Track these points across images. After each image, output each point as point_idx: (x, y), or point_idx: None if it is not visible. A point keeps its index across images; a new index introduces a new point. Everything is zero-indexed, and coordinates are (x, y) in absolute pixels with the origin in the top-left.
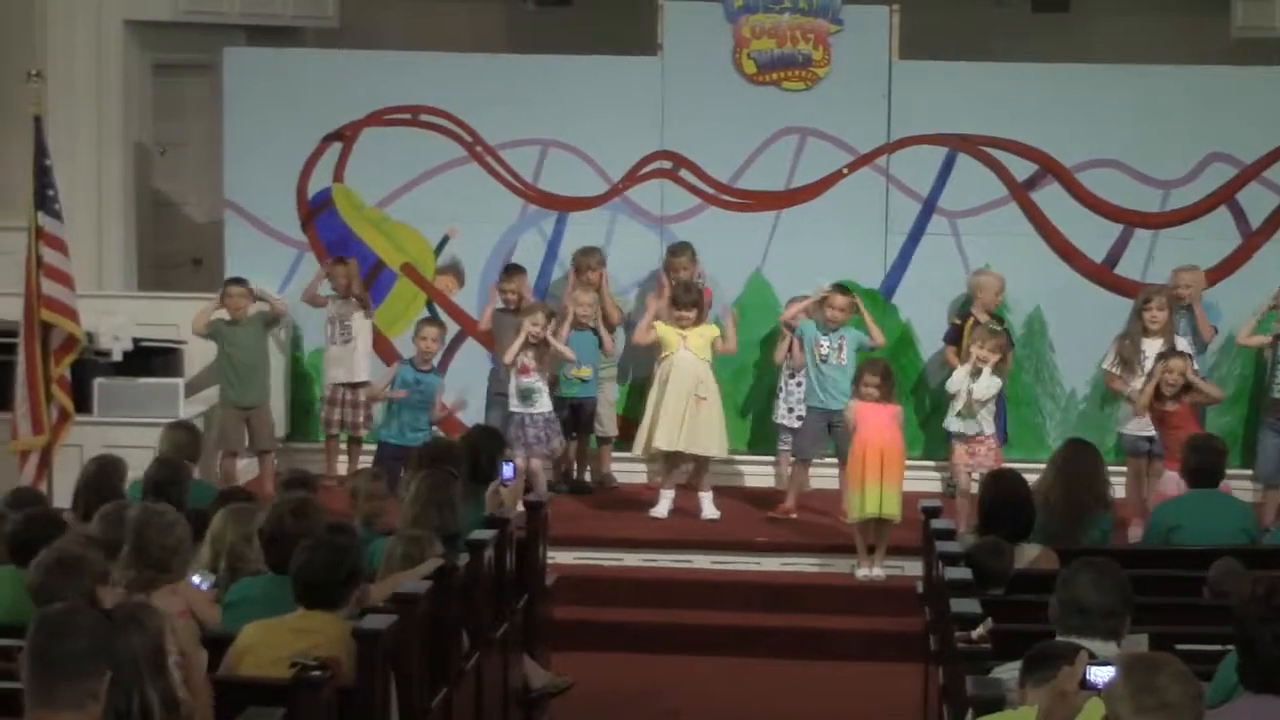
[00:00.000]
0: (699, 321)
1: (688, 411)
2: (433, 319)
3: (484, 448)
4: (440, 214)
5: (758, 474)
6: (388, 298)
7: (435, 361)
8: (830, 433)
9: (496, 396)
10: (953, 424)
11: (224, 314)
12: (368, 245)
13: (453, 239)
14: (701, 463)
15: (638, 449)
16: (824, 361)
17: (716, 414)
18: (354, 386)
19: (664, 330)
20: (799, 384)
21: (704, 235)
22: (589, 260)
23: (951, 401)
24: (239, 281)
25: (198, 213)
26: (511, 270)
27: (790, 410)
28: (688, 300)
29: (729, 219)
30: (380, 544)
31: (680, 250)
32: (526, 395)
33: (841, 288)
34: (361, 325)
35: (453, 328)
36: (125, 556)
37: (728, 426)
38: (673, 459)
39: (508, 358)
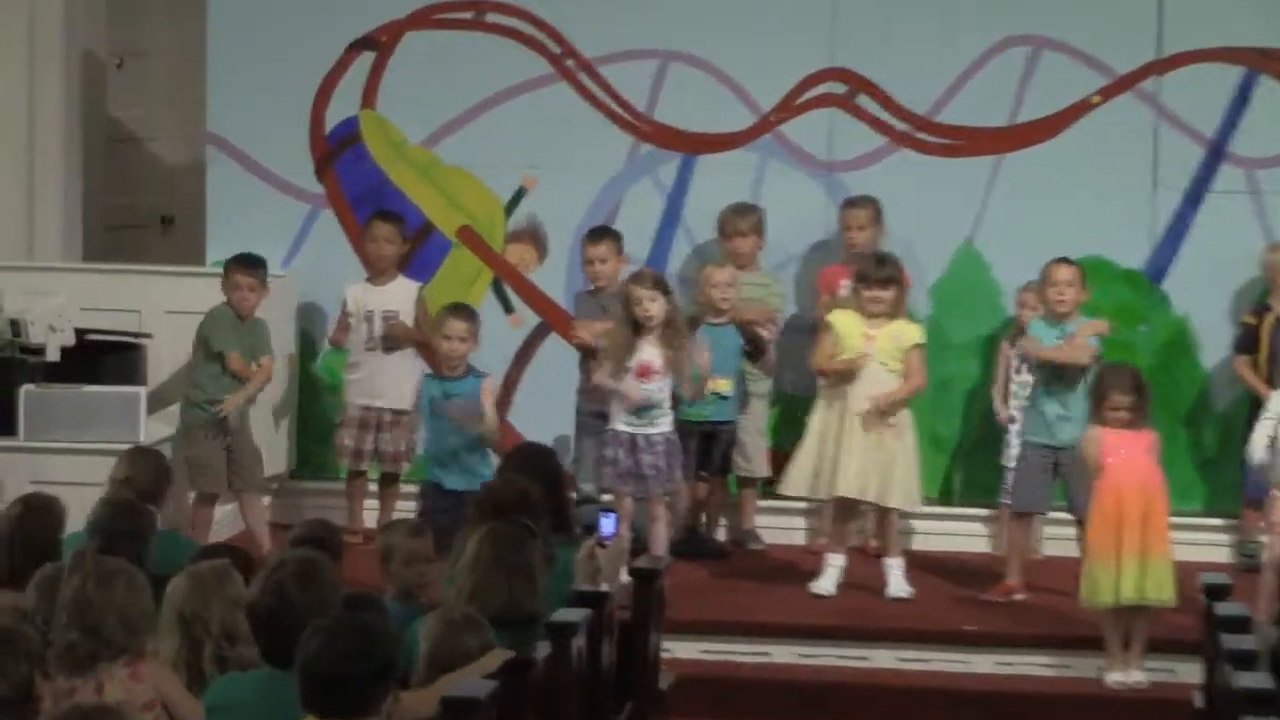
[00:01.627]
0: (895, 313)
1: (875, 445)
2: (460, 308)
3: (560, 482)
4: (514, 156)
5: (968, 535)
6: (437, 274)
7: (463, 368)
8: (1057, 475)
9: (590, 419)
10: (1258, 455)
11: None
12: (410, 199)
13: (531, 192)
14: (889, 518)
15: (795, 488)
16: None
17: (910, 450)
18: (397, 412)
19: (842, 324)
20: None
21: (890, 189)
22: (740, 223)
23: (1252, 436)
24: (249, 265)
25: (169, 151)
26: (597, 235)
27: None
28: (881, 277)
29: (926, 166)
30: (421, 626)
31: (861, 204)
32: (643, 408)
33: (1066, 260)
34: (408, 319)
35: (527, 319)
36: (63, 631)
37: (923, 466)
38: (847, 511)
39: (600, 377)
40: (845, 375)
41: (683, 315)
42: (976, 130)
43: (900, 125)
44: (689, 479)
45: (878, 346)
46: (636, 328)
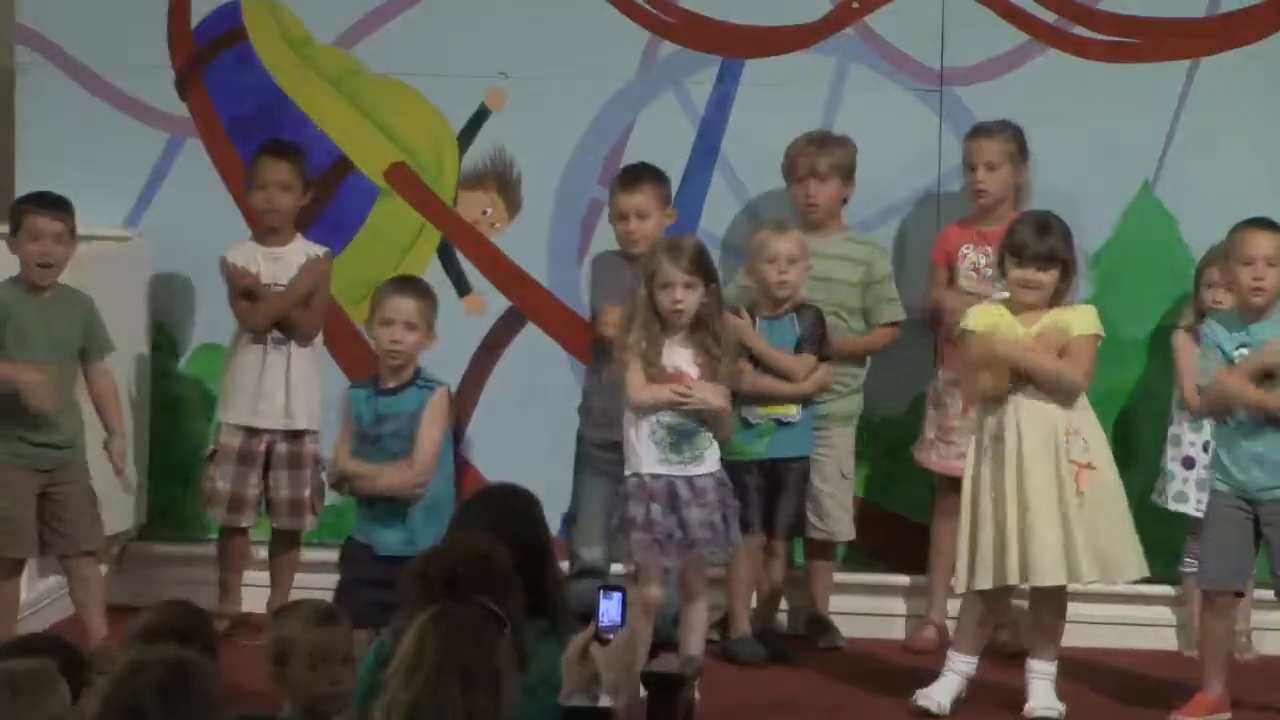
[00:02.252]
0: (1056, 299)
1: (1065, 499)
2: (407, 281)
3: (540, 542)
4: (473, 60)
5: (1141, 623)
6: (356, 237)
7: (409, 373)
8: (1260, 537)
9: (599, 452)
10: None
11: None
12: (315, 124)
13: (497, 113)
14: (1054, 604)
15: (981, 579)
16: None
17: (1117, 499)
18: (294, 436)
19: (992, 328)
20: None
21: (1030, 110)
22: (820, 160)
23: None
24: (50, 206)
25: None
26: (632, 178)
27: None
28: (1040, 250)
29: (1085, 77)
30: None
31: (993, 132)
32: (679, 441)
33: (1267, 223)
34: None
35: (493, 302)
36: None
37: None
38: (1000, 605)
39: (636, 393)
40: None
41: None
42: (1161, 22)
43: (1047, 15)
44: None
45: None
46: (659, 319)
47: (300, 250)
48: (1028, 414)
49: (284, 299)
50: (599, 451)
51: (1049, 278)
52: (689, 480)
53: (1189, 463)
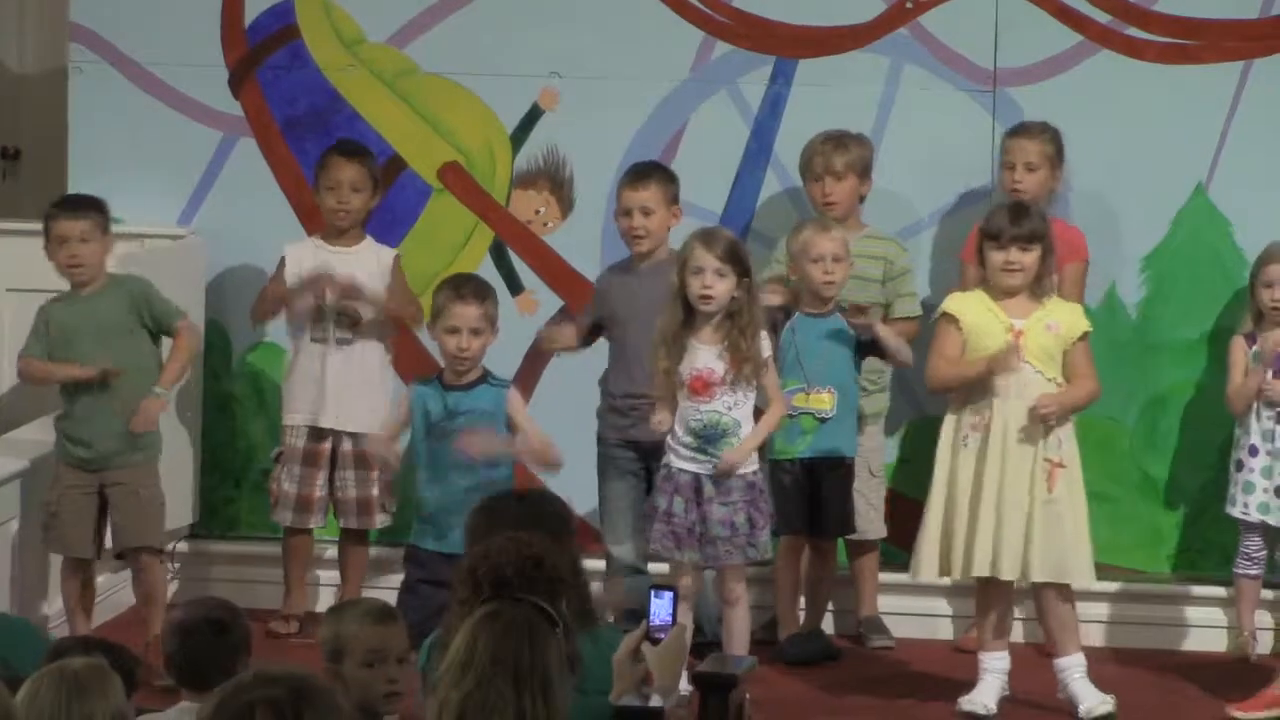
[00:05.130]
0: (1041, 291)
1: (1035, 496)
2: (467, 282)
3: (566, 538)
4: (526, 60)
5: (1198, 623)
6: (409, 235)
7: (472, 376)
8: None
9: (618, 450)
10: None
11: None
12: (369, 124)
13: (550, 112)
14: (1060, 600)
15: (925, 569)
16: None
17: (1079, 501)
18: (360, 442)
19: (971, 312)
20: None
21: (1083, 110)
22: (836, 158)
23: None
24: (70, 207)
25: (11, 54)
26: (640, 176)
27: (1261, 493)
28: (1020, 233)
29: (1139, 77)
30: None
31: (1032, 132)
32: (704, 444)
33: None
34: (376, 285)
35: (546, 301)
36: None
37: (1104, 523)
38: (999, 595)
39: (660, 426)
40: (980, 380)
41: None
42: (1214, 24)
43: (1101, 16)
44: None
45: (1028, 342)
46: (688, 312)
47: (371, 251)
48: (1014, 407)
49: (396, 304)
50: (619, 450)
51: (1030, 258)
52: (717, 480)
53: (1238, 465)
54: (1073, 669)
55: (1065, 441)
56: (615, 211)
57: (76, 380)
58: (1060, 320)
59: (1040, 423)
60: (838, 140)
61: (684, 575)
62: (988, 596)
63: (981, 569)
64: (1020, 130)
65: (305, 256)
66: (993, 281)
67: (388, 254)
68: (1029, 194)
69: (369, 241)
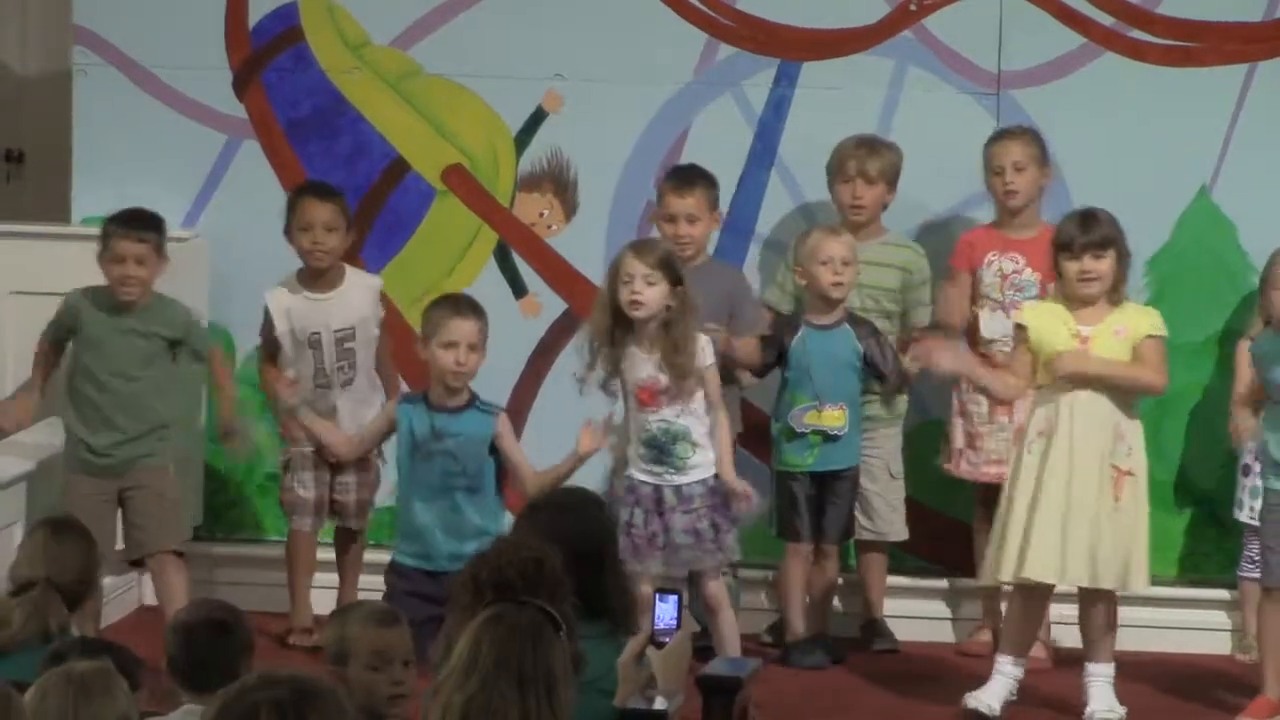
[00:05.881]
0: (1115, 296)
1: (1100, 505)
2: (460, 302)
3: (604, 548)
4: (530, 62)
5: (1198, 627)
6: (414, 237)
7: (461, 398)
8: None
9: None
10: None
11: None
12: (373, 126)
13: (554, 114)
14: (1107, 607)
15: (1002, 570)
16: None
17: (1143, 510)
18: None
19: (1041, 323)
20: None
21: (1088, 112)
22: (870, 163)
23: None
24: (133, 226)
25: (15, 55)
26: (684, 181)
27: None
28: (1092, 239)
29: (1143, 80)
30: None
31: (1017, 135)
32: (658, 454)
33: None
34: (368, 333)
35: (549, 304)
36: None
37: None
38: (1037, 602)
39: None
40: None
41: (758, 309)
42: (1218, 26)
43: (1105, 18)
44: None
45: (1095, 348)
46: (618, 320)
47: (355, 286)
48: (1083, 412)
49: (366, 443)
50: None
51: (1105, 265)
52: (676, 488)
53: (1245, 470)
54: (1100, 675)
55: (1134, 450)
56: (656, 214)
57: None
58: (1129, 324)
59: (1120, 442)
60: (872, 145)
61: (644, 584)
62: (1024, 603)
63: (1044, 574)
64: (1003, 134)
65: (293, 308)
66: (1069, 292)
67: (374, 283)
68: (1023, 193)
69: (350, 275)
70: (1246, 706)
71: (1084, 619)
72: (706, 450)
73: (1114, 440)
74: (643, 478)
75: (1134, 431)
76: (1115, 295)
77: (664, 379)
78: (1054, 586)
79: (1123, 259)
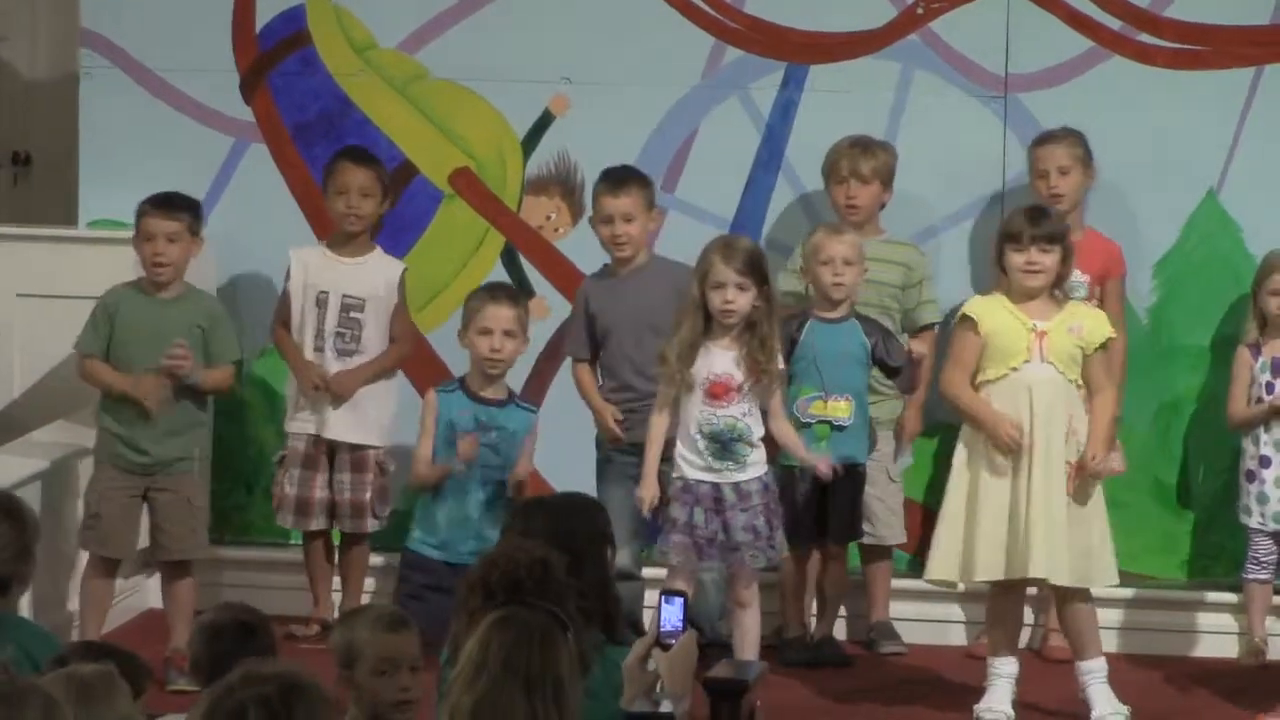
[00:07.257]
0: (1058, 283)
1: (1052, 495)
2: (500, 289)
3: (588, 551)
4: (537, 66)
5: (1208, 629)
6: (420, 241)
7: (501, 392)
8: None
9: (618, 455)
10: None
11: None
12: (380, 129)
13: (561, 118)
14: (1081, 604)
15: (940, 570)
16: None
17: (1099, 504)
18: (358, 450)
19: (992, 316)
20: None
21: (1095, 117)
22: (863, 163)
23: None
24: (162, 205)
25: (22, 57)
26: (617, 181)
27: (1276, 503)
28: (1041, 232)
29: (1150, 83)
30: None
31: (1061, 139)
32: (720, 450)
33: None
34: (379, 313)
35: (557, 307)
36: None
37: (1116, 529)
38: (1012, 596)
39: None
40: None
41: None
42: (1226, 30)
43: (1112, 22)
44: (801, 548)
45: (1051, 344)
46: (707, 321)
47: (379, 263)
48: (1043, 410)
49: (370, 371)
50: (617, 455)
51: (1051, 260)
52: (735, 485)
53: (1250, 476)
54: (1094, 673)
55: (1083, 445)
56: (593, 218)
57: (129, 396)
58: (1084, 324)
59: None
60: (865, 145)
61: (679, 581)
62: (1002, 604)
63: (1010, 571)
64: (1046, 138)
65: (311, 262)
66: (1013, 283)
67: (396, 268)
68: (1069, 196)
69: (378, 253)
70: (1270, 709)
71: (1063, 620)
72: (760, 449)
73: (1066, 436)
74: (700, 475)
75: (1083, 428)
76: (1059, 293)
77: (739, 376)
78: (1025, 582)
79: (1067, 259)
